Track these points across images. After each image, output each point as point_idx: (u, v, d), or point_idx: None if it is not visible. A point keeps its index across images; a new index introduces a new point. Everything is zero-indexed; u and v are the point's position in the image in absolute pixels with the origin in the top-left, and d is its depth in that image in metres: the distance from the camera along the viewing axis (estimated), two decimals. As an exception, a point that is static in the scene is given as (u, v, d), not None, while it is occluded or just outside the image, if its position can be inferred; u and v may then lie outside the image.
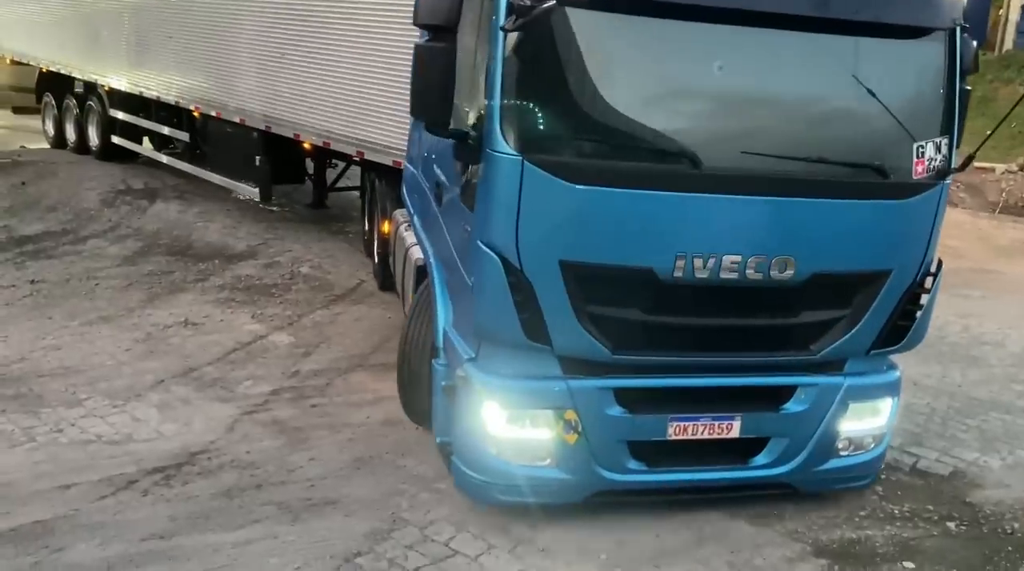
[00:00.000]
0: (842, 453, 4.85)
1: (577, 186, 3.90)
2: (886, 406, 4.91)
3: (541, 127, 4.02)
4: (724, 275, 4.11)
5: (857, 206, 4.27)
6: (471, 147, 4.10)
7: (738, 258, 4.10)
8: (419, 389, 5.26)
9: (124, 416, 5.89)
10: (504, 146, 3.90)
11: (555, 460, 4.46)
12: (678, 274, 4.07)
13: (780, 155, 4.11)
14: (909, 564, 4.64)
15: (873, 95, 4.15)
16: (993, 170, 16.20)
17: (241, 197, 11.41)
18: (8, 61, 15.57)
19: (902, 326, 4.58)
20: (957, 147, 4.48)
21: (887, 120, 4.19)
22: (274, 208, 11.59)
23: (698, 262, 4.06)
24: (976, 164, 16.52)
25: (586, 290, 4.10)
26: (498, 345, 4.31)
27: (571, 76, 4.04)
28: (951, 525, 5.09)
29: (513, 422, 4.38)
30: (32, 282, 8.50)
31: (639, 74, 4.16)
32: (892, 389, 4.92)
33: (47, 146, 14.87)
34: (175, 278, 8.90)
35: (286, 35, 8.84)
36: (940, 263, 4.62)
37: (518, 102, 3.92)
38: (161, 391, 6.29)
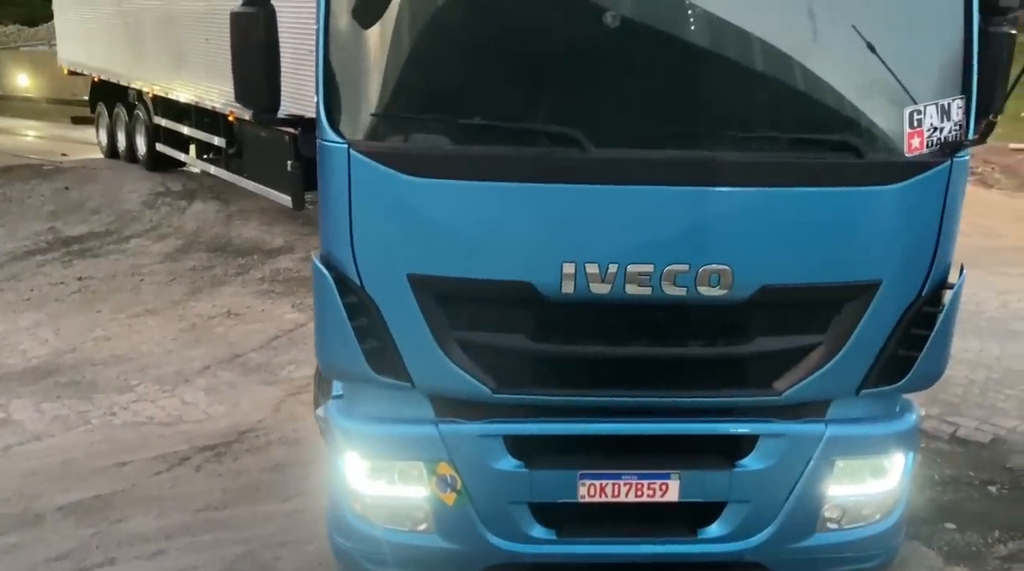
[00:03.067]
0: (831, 527, 3.64)
1: (419, 179, 3.03)
2: (895, 464, 3.64)
3: (371, 105, 3.15)
4: (632, 290, 3.08)
5: (820, 196, 3.13)
6: (314, 139, 3.25)
7: (649, 268, 3.06)
8: None
9: (174, 400, 6.09)
10: (330, 133, 3.10)
11: (433, 525, 3.52)
12: (568, 290, 3.09)
13: (702, 128, 3.10)
14: (950, 525, 4.66)
15: (843, 36, 3.03)
16: (1029, 151, 15.98)
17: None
18: (65, 71, 16.00)
19: (905, 357, 3.36)
20: (991, 114, 3.24)
21: (863, 73, 3.10)
22: (309, 206, 11.80)
23: (593, 273, 3.06)
24: (1012, 145, 16.31)
25: (450, 312, 3.20)
26: (348, 382, 3.56)
27: (411, 35, 3.16)
28: (992, 489, 5.09)
29: (376, 476, 3.51)
30: (80, 279, 8.78)
31: (501, 27, 3.17)
32: (903, 441, 3.63)
33: (88, 155, 15.25)
34: (216, 272, 9.13)
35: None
36: (963, 270, 3.41)
37: (344, 75, 3.14)
38: (208, 376, 6.49)
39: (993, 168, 14.90)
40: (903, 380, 3.40)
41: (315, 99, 3.16)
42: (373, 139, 3.10)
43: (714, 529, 3.57)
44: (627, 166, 3.04)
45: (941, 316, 3.33)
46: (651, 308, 3.18)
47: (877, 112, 3.17)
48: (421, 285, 3.14)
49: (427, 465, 3.43)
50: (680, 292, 3.10)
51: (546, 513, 3.55)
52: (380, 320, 3.20)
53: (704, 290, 3.10)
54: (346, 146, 3.06)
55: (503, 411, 3.37)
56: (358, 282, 3.18)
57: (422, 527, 3.54)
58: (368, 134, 3.11)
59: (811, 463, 3.50)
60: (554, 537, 3.56)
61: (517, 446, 3.44)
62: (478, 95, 3.16)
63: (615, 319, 3.23)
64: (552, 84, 3.15)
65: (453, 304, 3.20)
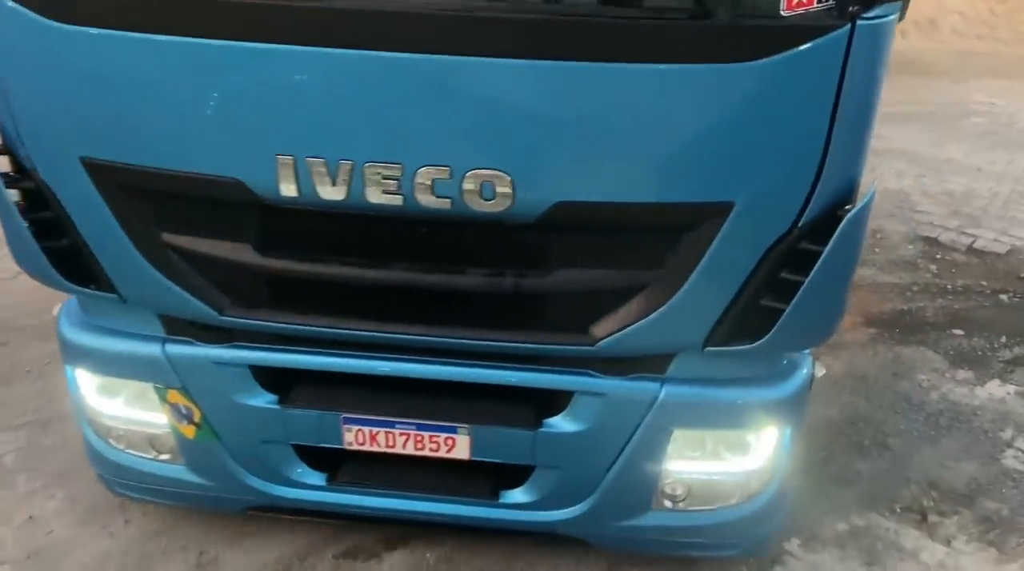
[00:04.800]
0: (668, 506, 2.93)
1: (73, 28, 2.17)
2: (764, 439, 2.79)
3: None
4: (376, 198, 2.25)
5: (642, 76, 2.06)
6: None
7: (396, 170, 2.21)
8: None
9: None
10: None
11: (179, 456, 3.03)
12: (289, 192, 2.28)
13: None
14: (958, 331, 4.71)
15: None
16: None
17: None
18: None
19: (768, 309, 2.39)
20: None
21: None
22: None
23: (319, 171, 2.25)
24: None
25: (150, 210, 2.46)
26: (49, 287, 2.88)
27: None
28: (1004, 297, 5.11)
29: (108, 395, 2.98)
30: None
31: None
32: (775, 411, 2.73)
33: None
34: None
35: None
36: (872, 190, 2.27)
37: None
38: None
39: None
40: (763, 338, 2.43)
41: None
42: None
43: (517, 495, 2.96)
44: (358, 21, 2.10)
45: (824, 255, 2.24)
46: (410, 222, 2.33)
47: None
48: (102, 174, 2.37)
49: (157, 391, 2.86)
50: (443, 204, 2.22)
51: (318, 454, 2.99)
52: (64, 215, 2.47)
53: (474, 204, 2.22)
54: None
55: (250, 335, 2.70)
56: (29, 163, 2.42)
57: (165, 457, 3.06)
58: None
59: (639, 430, 2.72)
60: (323, 483, 3.02)
61: (268, 378, 2.82)
62: None
63: (363, 233, 2.42)
64: None
65: (152, 200, 2.43)
